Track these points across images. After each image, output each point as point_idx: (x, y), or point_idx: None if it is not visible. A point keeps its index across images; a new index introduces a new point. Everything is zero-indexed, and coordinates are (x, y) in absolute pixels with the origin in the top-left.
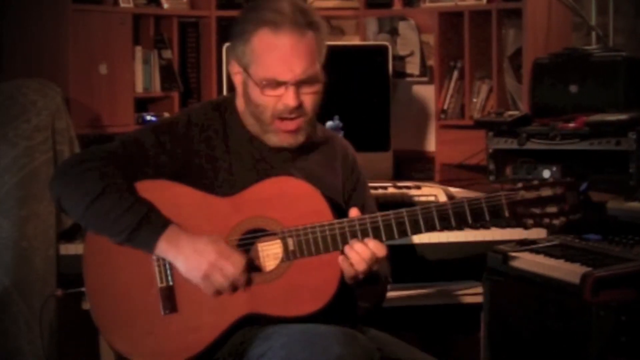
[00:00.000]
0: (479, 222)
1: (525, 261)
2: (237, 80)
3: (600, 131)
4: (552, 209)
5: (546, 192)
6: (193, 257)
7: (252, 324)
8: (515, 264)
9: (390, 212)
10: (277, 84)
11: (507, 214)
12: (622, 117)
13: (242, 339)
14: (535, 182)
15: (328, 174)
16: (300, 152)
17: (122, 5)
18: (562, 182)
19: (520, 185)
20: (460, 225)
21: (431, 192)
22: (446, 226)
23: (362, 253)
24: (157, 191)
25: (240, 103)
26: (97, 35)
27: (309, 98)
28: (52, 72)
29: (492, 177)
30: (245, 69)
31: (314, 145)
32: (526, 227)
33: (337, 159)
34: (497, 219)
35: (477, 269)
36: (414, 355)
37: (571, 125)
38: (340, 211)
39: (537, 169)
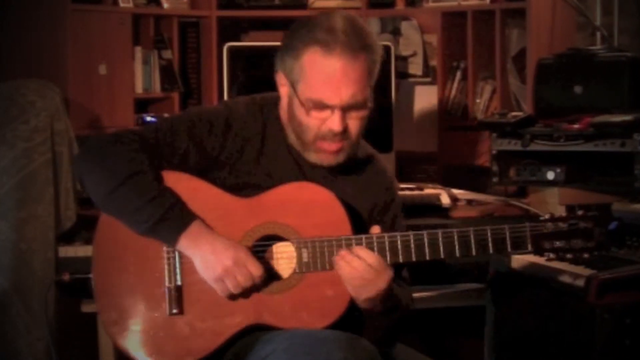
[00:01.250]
0: (499, 252)
1: (530, 263)
2: (283, 92)
3: (605, 132)
4: (577, 244)
5: (574, 225)
6: (210, 258)
7: (257, 331)
8: (519, 266)
9: (410, 232)
10: (323, 106)
11: (530, 247)
12: (627, 118)
13: (245, 342)
14: (564, 215)
15: (360, 195)
16: (337, 170)
17: (122, 5)
18: (592, 217)
19: (547, 216)
20: (480, 253)
21: (434, 194)
22: (465, 253)
23: (351, 262)
24: (175, 184)
25: (283, 113)
26: (96, 35)
27: (355, 123)
28: (51, 72)
29: (495, 179)
30: (293, 85)
31: (353, 164)
32: (547, 260)
33: (370, 180)
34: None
35: (481, 271)
36: (417, 359)
37: (576, 126)
38: (363, 229)
39: (541, 170)
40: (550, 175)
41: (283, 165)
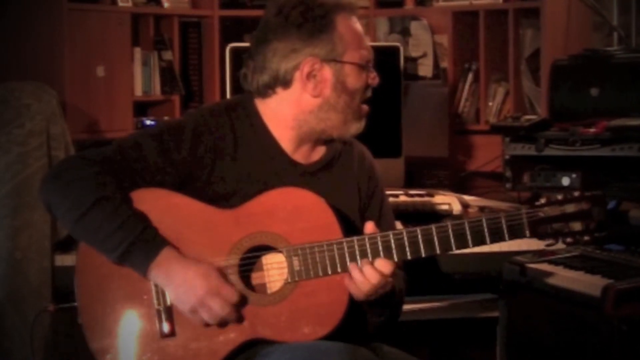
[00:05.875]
0: (497, 242)
1: (544, 273)
2: (318, 78)
3: (622, 136)
4: (576, 227)
5: (571, 207)
6: (182, 289)
7: (255, 345)
8: (533, 275)
9: (403, 230)
10: (371, 64)
11: (528, 234)
12: None
13: (244, 358)
14: (560, 197)
15: (343, 187)
16: (317, 165)
17: (121, 4)
18: (589, 197)
19: (543, 200)
20: (478, 245)
21: (445, 201)
22: (463, 246)
23: (368, 275)
24: (155, 202)
25: (272, 105)
26: (94, 36)
27: None
28: (47, 74)
29: (508, 185)
30: (339, 59)
31: (332, 156)
32: (547, 245)
33: (353, 168)
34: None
35: (494, 281)
36: None
37: (592, 130)
38: (352, 227)
39: (556, 176)
40: (566, 181)
41: (262, 165)
